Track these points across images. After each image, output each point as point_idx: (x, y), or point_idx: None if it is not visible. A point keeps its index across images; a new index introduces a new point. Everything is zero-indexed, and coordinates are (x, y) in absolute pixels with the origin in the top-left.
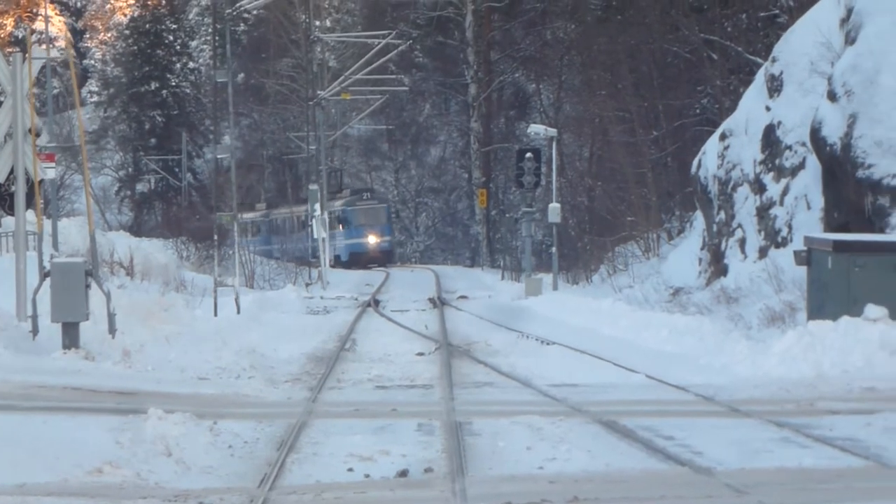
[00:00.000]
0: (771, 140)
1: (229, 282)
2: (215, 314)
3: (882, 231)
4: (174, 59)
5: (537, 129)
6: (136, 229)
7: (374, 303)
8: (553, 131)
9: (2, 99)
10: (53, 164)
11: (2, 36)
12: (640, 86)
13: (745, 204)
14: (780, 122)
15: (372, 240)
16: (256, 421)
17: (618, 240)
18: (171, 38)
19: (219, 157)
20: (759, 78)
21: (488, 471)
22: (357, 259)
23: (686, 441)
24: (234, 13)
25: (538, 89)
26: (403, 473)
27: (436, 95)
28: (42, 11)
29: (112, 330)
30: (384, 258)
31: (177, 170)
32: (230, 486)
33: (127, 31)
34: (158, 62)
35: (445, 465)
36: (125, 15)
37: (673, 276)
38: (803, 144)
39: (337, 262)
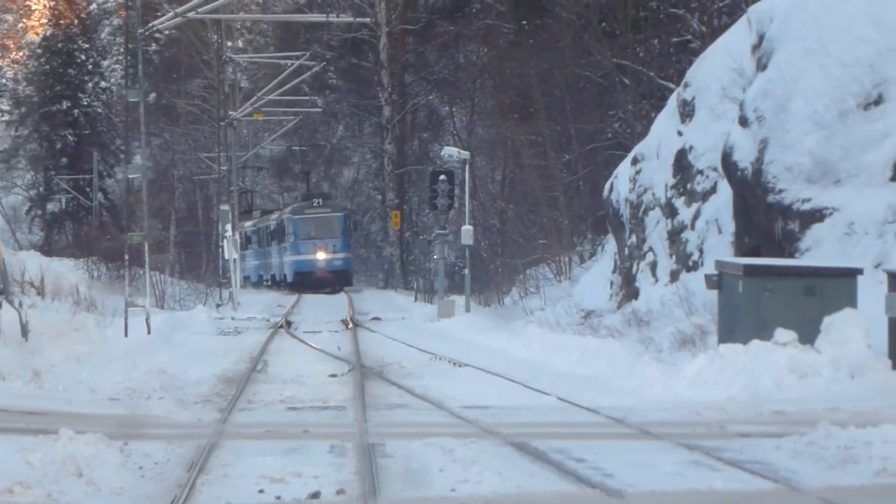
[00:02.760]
0: (683, 164)
1: (140, 302)
2: (126, 334)
3: (792, 256)
4: (86, 78)
5: (451, 152)
6: (47, 249)
7: (286, 324)
8: (466, 154)
9: None
10: None
11: None
12: (553, 110)
13: (657, 228)
14: (691, 147)
15: (321, 256)
16: (167, 442)
17: (530, 262)
18: (83, 57)
19: (130, 176)
20: (671, 103)
21: (401, 492)
22: (304, 280)
23: (597, 463)
24: (147, 33)
25: (451, 112)
26: (315, 495)
27: (349, 117)
28: None
29: (25, 333)
30: (337, 279)
31: (88, 189)
32: None
33: (39, 51)
34: (70, 81)
35: (358, 486)
36: (37, 34)
37: (584, 298)
38: (715, 169)
39: (284, 284)
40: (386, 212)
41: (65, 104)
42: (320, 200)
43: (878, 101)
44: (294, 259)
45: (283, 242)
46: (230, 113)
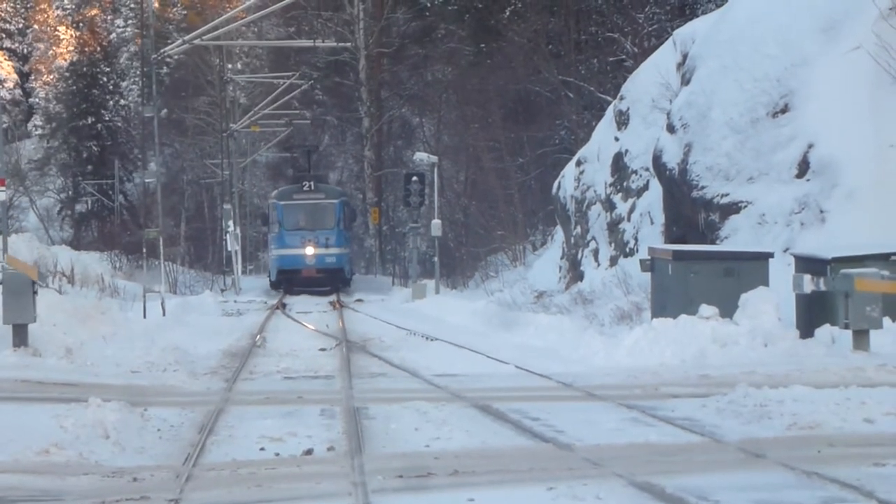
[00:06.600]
0: (619, 166)
1: (156, 288)
2: (144, 316)
3: (713, 242)
4: (107, 97)
5: (421, 156)
6: (76, 243)
7: (282, 306)
8: (434, 158)
9: None
10: (4, 188)
11: None
12: (508, 120)
13: (598, 220)
14: (627, 151)
15: (310, 251)
16: (181, 408)
17: (490, 251)
18: (105, 79)
19: (146, 181)
20: (609, 113)
21: (382, 449)
22: (290, 278)
23: (550, 421)
24: (159, 58)
25: (421, 122)
26: (309, 452)
27: (334, 128)
28: None
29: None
30: (329, 280)
31: (110, 192)
32: (159, 464)
33: (67, 74)
34: (94, 100)
35: (345, 444)
36: (66, 60)
37: (537, 281)
38: (647, 169)
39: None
40: (366, 208)
41: (89, 119)
42: (311, 184)
43: (784, 110)
44: (278, 254)
45: (269, 233)
46: (231, 125)
